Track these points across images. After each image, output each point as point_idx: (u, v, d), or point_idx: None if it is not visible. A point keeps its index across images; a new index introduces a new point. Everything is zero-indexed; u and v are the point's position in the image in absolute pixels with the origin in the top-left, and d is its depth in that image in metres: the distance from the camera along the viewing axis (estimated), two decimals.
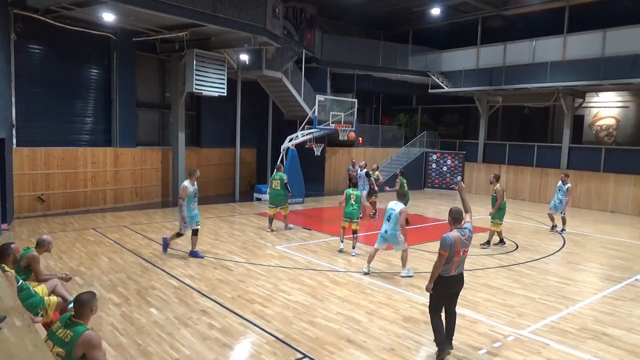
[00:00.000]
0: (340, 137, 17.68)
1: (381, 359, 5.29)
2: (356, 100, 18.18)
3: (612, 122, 20.85)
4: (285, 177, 12.17)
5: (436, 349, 5.32)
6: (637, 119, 20.30)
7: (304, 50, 18.20)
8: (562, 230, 12.88)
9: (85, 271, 8.10)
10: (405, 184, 12.93)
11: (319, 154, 17.65)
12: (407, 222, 12.24)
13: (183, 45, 14.09)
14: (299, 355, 5.30)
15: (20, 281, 5.04)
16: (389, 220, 8.38)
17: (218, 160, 18.39)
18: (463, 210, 5.48)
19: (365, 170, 15.16)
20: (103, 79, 14.53)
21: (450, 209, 5.39)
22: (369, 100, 24.47)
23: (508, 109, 23.17)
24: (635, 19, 16.24)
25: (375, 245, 8.67)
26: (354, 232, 9.98)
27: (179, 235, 9.35)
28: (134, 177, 15.34)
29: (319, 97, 16.84)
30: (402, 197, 12.75)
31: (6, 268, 4.92)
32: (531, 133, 22.56)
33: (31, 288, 5.14)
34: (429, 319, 6.39)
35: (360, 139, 21.71)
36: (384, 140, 23.34)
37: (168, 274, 8.14)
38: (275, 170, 12.57)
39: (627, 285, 8.42)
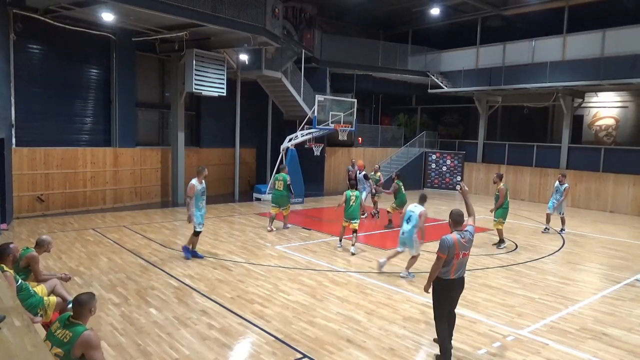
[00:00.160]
0: (340, 137, 17.68)
1: (381, 359, 5.29)
2: (356, 100, 18.19)
3: (611, 122, 20.87)
4: (288, 178, 12.24)
5: (436, 348, 5.32)
6: (636, 119, 20.32)
7: (303, 50, 18.20)
8: (562, 230, 12.89)
9: (84, 271, 8.09)
10: (402, 187, 12.86)
11: (318, 154, 17.65)
12: (390, 224, 12.32)
13: (183, 45, 14.09)
14: (299, 355, 5.30)
15: (20, 281, 5.03)
16: (407, 222, 8.34)
17: (218, 160, 18.38)
18: (465, 213, 5.41)
19: (364, 172, 15.15)
20: (102, 78, 14.52)
21: (451, 211, 5.33)
22: (368, 100, 24.47)
23: (507, 109, 23.18)
24: (634, 19, 16.25)
25: (397, 248, 8.62)
26: (354, 231, 10.12)
27: (197, 234, 9.13)
28: (133, 177, 15.34)
29: (319, 97, 16.85)
30: (400, 201, 12.80)
31: (5, 268, 4.92)
32: (531, 133, 22.57)
33: (30, 288, 5.13)
34: (428, 319, 6.41)
35: (359, 139, 21.72)
36: (384, 140, 23.34)
37: (167, 274, 8.14)
38: (279, 170, 12.62)
39: (627, 285, 8.42)
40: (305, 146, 17.08)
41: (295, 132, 17.05)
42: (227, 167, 18.49)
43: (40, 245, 5.88)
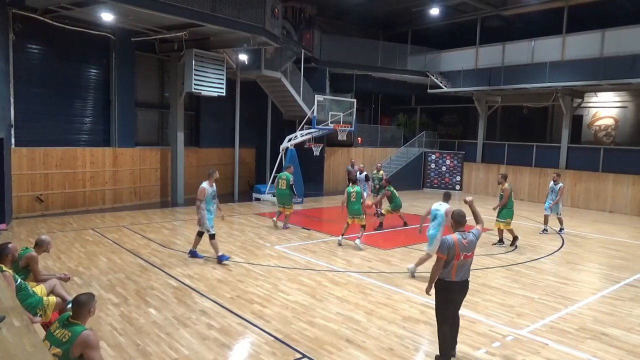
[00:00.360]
0: (339, 137, 17.68)
1: (380, 359, 5.29)
2: (355, 100, 18.19)
3: (610, 122, 20.89)
4: (291, 177, 12.31)
5: (436, 348, 5.32)
6: (635, 119, 20.34)
7: (303, 50, 18.20)
8: (561, 230, 12.90)
9: (84, 271, 8.08)
10: (394, 191, 12.70)
11: (318, 153, 17.65)
12: (405, 224, 12.32)
13: (182, 45, 14.09)
14: (298, 355, 5.30)
15: (19, 281, 5.03)
16: (434, 220, 8.27)
17: (217, 160, 18.37)
18: (475, 219, 5.39)
19: (365, 173, 15.15)
20: (102, 78, 14.52)
21: (453, 212, 5.29)
22: (368, 100, 24.47)
23: (507, 109, 23.18)
24: (634, 19, 16.26)
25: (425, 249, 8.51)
26: (362, 226, 10.37)
27: (212, 237, 8.92)
28: (132, 177, 15.33)
29: (318, 97, 16.85)
30: (395, 204, 12.72)
31: (4, 268, 4.92)
32: (530, 133, 22.58)
33: (30, 288, 5.13)
34: (428, 319, 6.42)
35: (359, 139, 21.72)
36: (383, 140, 23.35)
37: (167, 274, 8.13)
38: (282, 169, 12.71)
39: (626, 285, 8.43)
40: (305, 146, 17.08)
41: (295, 132, 17.05)
42: (226, 167, 18.48)
43: (40, 245, 5.87)
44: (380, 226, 12.71)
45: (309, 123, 16.97)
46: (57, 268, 8.10)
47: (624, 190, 17.37)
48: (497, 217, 11.06)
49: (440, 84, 21.58)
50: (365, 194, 13.83)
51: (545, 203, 12.98)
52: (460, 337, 5.82)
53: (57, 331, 3.69)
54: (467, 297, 7.34)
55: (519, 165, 20.39)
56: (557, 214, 12.79)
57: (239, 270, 8.48)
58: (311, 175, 18.41)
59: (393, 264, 9.29)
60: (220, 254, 8.96)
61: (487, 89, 20.38)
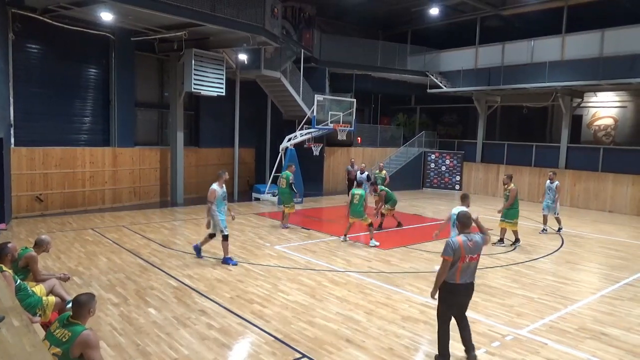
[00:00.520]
0: (339, 137, 17.68)
1: (380, 359, 5.29)
2: (355, 100, 18.18)
3: (610, 122, 20.90)
4: (291, 176, 12.36)
5: (436, 348, 5.31)
6: (635, 118, 20.35)
7: (302, 50, 18.19)
8: (559, 229, 12.90)
9: (83, 271, 8.08)
10: (388, 191, 12.60)
11: (317, 153, 17.65)
12: (380, 227, 12.24)
13: (182, 44, 14.09)
14: (298, 355, 5.30)
15: (18, 281, 5.03)
16: (454, 226, 8.03)
17: (217, 160, 18.38)
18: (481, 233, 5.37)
19: (366, 173, 15.12)
20: (101, 78, 14.51)
21: (458, 213, 5.24)
22: (367, 100, 24.46)
23: (506, 109, 23.18)
24: (633, 19, 16.26)
25: None
26: (369, 225, 10.51)
27: (226, 238, 8.86)
28: (132, 177, 15.33)
29: (318, 97, 16.84)
30: (393, 201, 12.68)
31: (4, 268, 4.91)
32: (530, 133, 22.58)
33: (29, 288, 5.12)
34: (428, 319, 6.42)
35: (358, 138, 21.71)
36: (383, 140, 23.35)
37: (167, 274, 8.13)
38: (285, 169, 12.85)
39: (626, 285, 8.43)
40: (305, 146, 17.08)
41: (295, 131, 17.04)
42: (226, 167, 18.24)
43: (39, 245, 5.87)
44: (380, 227, 12.70)
45: (309, 123, 16.97)
46: (57, 268, 8.10)
47: (624, 190, 17.38)
48: (503, 217, 11.08)
49: (440, 84, 21.59)
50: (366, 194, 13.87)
51: (543, 203, 12.97)
52: (459, 337, 5.82)
53: (57, 331, 3.69)
54: None
55: (519, 165, 20.39)
56: (555, 213, 12.79)
57: (238, 270, 8.47)
58: (311, 175, 18.41)
59: (393, 263, 9.29)
60: (228, 256, 8.89)
61: (486, 89, 20.38)
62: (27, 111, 12.72)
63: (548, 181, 12.83)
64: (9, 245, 5.20)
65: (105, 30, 13.95)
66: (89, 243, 10.07)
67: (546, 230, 12.88)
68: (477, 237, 5.07)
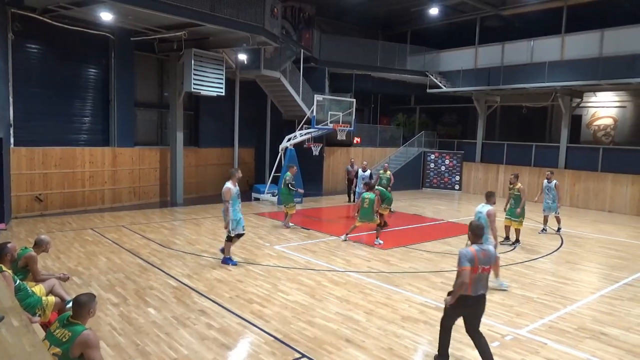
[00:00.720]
0: (339, 137, 17.68)
1: (380, 359, 5.29)
2: (354, 100, 18.18)
3: (609, 121, 20.91)
4: (288, 176, 12.33)
5: (435, 347, 5.32)
6: (634, 118, 20.36)
7: (302, 50, 18.20)
8: (559, 229, 12.90)
9: (83, 271, 8.08)
10: (382, 189, 12.57)
11: (317, 153, 17.65)
12: (386, 225, 12.19)
13: (181, 44, 14.09)
14: (298, 355, 5.30)
15: (18, 281, 5.03)
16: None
17: (216, 160, 18.38)
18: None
19: (369, 171, 15.09)
20: (101, 78, 14.50)
21: (470, 223, 5.16)
22: (367, 100, 24.48)
23: (506, 109, 23.20)
24: (633, 19, 16.28)
25: None
26: (378, 225, 10.71)
27: (230, 239, 8.73)
28: (132, 177, 15.32)
29: (317, 97, 16.84)
30: (388, 200, 12.65)
31: (3, 268, 4.91)
32: (529, 133, 22.59)
33: (28, 288, 5.12)
34: (427, 319, 6.43)
35: (356, 139, 21.70)
36: (382, 140, 23.35)
37: (166, 273, 8.13)
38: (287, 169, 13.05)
39: (625, 285, 8.43)
40: (304, 146, 17.08)
41: (294, 131, 17.04)
42: (225, 167, 18.39)
43: (39, 245, 5.87)
44: (386, 225, 12.69)
45: (308, 123, 16.97)
46: (57, 268, 8.09)
47: (623, 190, 17.39)
48: (510, 216, 11.12)
49: (440, 84, 21.60)
50: (358, 192, 13.92)
51: (543, 204, 12.91)
52: (459, 337, 5.82)
53: (57, 331, 3.69)
54: None
55: (518, 165, 20.37)
56: (556, 213, 12.78)
57: (238, 270, 8.47)
58: (310, 175, 18.41)
59: (392, 263, 9.29)
60: (229, 256, 8.85)
61: (486, 89, 20.39)
62: (26, 111, 12.71)
63: (546, 181, 12.81)
64: (9, 245, 5.20)
65: (105, 30, 13.95)
66: (89, 243, 10.07)
67: (545, 230, 12.89)
68: (490, 247, 5.02)
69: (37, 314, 4.96)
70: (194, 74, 14.34)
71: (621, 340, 6.00)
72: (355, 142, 21.63)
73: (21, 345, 3.01)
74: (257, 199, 17.04)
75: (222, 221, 8.92)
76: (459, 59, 21.57)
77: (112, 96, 14.58)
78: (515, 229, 11.16)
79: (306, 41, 19.29)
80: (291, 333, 5.86)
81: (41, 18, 12.30)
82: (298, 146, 16.93)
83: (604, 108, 20.99)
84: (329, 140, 19.52)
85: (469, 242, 5.13)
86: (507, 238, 11.27)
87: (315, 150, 17.37)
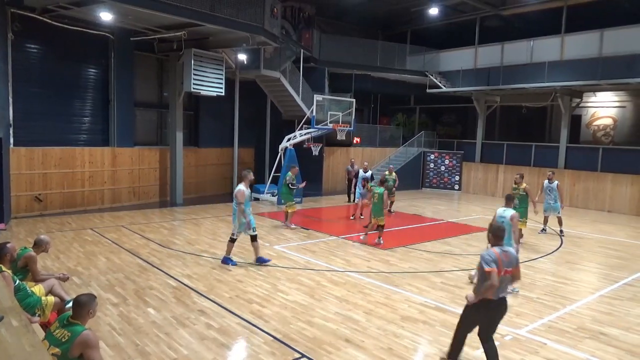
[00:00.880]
0: (338, 137, 17.68)
1: (379, 359, 5.29)
2: (354, 100, 18.18)
3: (609, 121, 20.92)
4: (288, 176, 12.36)
5: (435, 347, 5.32)
6: (634, 118, 20.37)
7: (302, 50, 18.20)
8: (561, 231, 12.82)
9: (82, 271, 8.08)
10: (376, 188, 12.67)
11: (317, 153, 17.65)
12: (382, 227, 12.16)
13: (181, 44, 14.08)
14: (297, 355, 5.30)
15: (17, 281, 5.02)
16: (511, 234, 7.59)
17: (216, 160, 18.39)
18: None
19: (370, 172, 15.08)
20: (101, 78, 14.50)
21: (491, 225, 5.03)
22: (367, 100, 24.47)
23: (506, 109, 23.20)
24: (632, 19, 16.28)
25: None
26: (380, 226, 10.63)
27: (233, 241, 8.80)
28: (131, 177, 15.32)
29: (317, 97, 16.84)
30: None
31: (3, 268, 4.91)
32: (529, 133, 22.60)
33: (28, 288, 5.12)
34: (427, 318, 6.43)
35: (356, 139, 21.70)
36: (382, 140, 23.35)
37: (166, 273, 8.13)
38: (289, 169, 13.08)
39: (625, 285, 8.44)
40: (304, 146, 17.08)
41: (294, 131, 17.04)
42: (225, 167, 18.50)
43: (39, 245, 5.87)
44: (390, 212, 12.71)
45: (308, 123, 16.96)
46: (56, 268, 8.09)
47: (623, 190, 17.40)
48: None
49: (439, 84, 21.60)
50: (359, 192, 13.91)
51: (544, 204, 12.84)
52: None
53: (56, 331, 3.69)
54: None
55: (518, 165, 20.38)
56: (558, 212, 12.72)
57: (238, 270, 8.47)
58: (310, 175, 18.37)
59: (392, 263, 9.29)
60: (230, 256, 8.85)
61: (486, 89, 20.40)
62: (26, 111, 12.71)
63: (546, 181, 12.75)
64: (8, 245, 5.20)
65: (105, 30, 13.94)
66: (88, 243, 10.07)
67: (545, 231, 12.88)
68: (512, 250, 4.89)
69: (37, 314, 4.95)
70: (194, 74, 14.34)
71: (621, 340, 6.01)
72: (355, 142, 21.64)
73: (21, 345, 3.01)
74: (256, 199, 17.00)
75: (221, 221, 8.91)
76: (458, 59, 21.57)
77: (111, 96, 14.58)
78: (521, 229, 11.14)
79: (306, 41, 19.29)
80: (291, 333, 5.86)
81: (41, 18, 12.29)
82: (298, 146, 16.93)
83: (603, 108, 21.00)
84: (328, 140, 19.52)
85: (489, 245, 5.04)
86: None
87: (315, 150, 17.36)
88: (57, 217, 12.71)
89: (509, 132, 23.61)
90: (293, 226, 12.26)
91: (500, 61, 20.00)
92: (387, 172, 14.86)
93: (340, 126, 17.31)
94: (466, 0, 19.43)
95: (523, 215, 11.01)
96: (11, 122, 12.33)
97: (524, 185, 11.17)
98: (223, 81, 15.28)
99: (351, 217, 13.90)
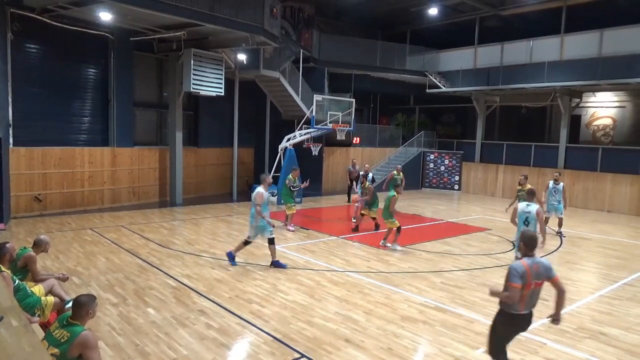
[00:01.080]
0: (338, 137, 17.69)
1: (379, 359, 5.29)
2: (354, 100, 18.19)
3: (609, 122, 20.93)
4: (289, 178, 12.39)
5: (434, 347, 5.32)
6: (633, 118, 20.38)
7: (301, 50, 18.20)
8: (560, 232, 12.75)
9: (82, 271, 8.07)
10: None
11: (316, 153, 17.65)
12: (378, 227, 12.13)
13: (181, 44, 14.07)
14: (297, 355, 5.30)
15: (17, 281, 5.02)
16: (527, 225, 7.55)
17: (216, 160, 18.38)
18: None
19: (370, 174, 15.06)
20: (100, 78, 14.49)
21: (523, 233, 4.67)
22: (366, 100, 24.47)
23: (505, 109, 23.21)
24: (632, 19, 16.28)
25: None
26: (397, 229, 10.35)
27: (247, 243, 8.77)
28: (131, 177, 15.31)
29: (317, 97, 16.84)
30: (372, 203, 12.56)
31: (2, 268, 4.91)
32: (528, 133, 22.61)
33: (28, 288, 5.11)
34: (426, 318, 6.42)
35: (355, 139, 21.70)
36: (382, 140, 23.35)
37: (166, 273, 8.12)
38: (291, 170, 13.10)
39: (625, 285, 8.44)
40: (304, 146, 17.08)
41: (294, 131, 17.04)
42: (225, 167, 18.49)
43: (38, 245, 5.86)
44: (378, 227, 12.60)
45: (308, 123, 16.97)
46: (56, 268, 8.09)
47: (622, 190, 17.41)
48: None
49: (439, 84, 21.61)
50: (359, 192, 13.85)
51: (547, 205, 12.70)
52: (458, 337, 5.84)
53: (56, 331, 3.69)
54: (465, 296, 7.41)
55: (518, 165, 20.41)
56: (560, 213, 12.63)
57: (237, 270, 8.47)
58: (310, 175, 18.26)
59: (392, 263, 9.29)
60: (235, 254, 8.87)
61: (485, 89, 20.41)
62: (25, 111, 12.70)
63: (551, 182, 12.53)
64: (8, 245, 5.20)
65: (104, 30, 13.94)
66: (88, 243, 10.06)
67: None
68: (544, 260, 4.48)
69: (36, 314, 4.95)
70: (193, 74, 14.33)
71: (620, 340, 6.01)
72: (354, 142, 21.64)
73: (20, 345, 3.01)
74: None
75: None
76: (458, 59, 21.57)
77: (111, 96, 14.58)
78: None
79: (305, 41, 19.29)
80: (290, 333, 5.86)
81: (40, 18, 12.29)
82: (297, 146, 16.93)
83: (603, 108, 21.01)
84: (328, 140, 19.52)
85: (519, 254, 4.71)
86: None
87: (315, 150, 17.37)
88: (56, 217, 12.70)
89: (509, 132, 23.62)
90: (292, 228, 12.18)
91: (500, 61, 20.00)
92: (395, 172, 14.74)
93: (340, 126, 17.31)
94: (466, 0, 19.43)
95: None
96: (11, 122, 12.33)
97: (528, 186, 11.07)
98: (222, 81, 15.28)
99: (353, 220, 13.78)
